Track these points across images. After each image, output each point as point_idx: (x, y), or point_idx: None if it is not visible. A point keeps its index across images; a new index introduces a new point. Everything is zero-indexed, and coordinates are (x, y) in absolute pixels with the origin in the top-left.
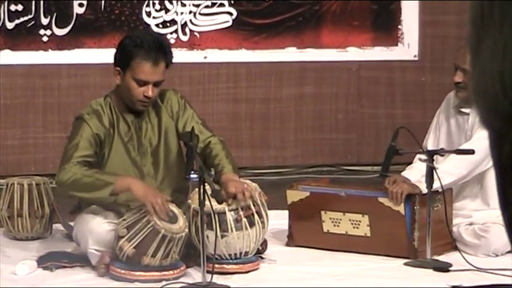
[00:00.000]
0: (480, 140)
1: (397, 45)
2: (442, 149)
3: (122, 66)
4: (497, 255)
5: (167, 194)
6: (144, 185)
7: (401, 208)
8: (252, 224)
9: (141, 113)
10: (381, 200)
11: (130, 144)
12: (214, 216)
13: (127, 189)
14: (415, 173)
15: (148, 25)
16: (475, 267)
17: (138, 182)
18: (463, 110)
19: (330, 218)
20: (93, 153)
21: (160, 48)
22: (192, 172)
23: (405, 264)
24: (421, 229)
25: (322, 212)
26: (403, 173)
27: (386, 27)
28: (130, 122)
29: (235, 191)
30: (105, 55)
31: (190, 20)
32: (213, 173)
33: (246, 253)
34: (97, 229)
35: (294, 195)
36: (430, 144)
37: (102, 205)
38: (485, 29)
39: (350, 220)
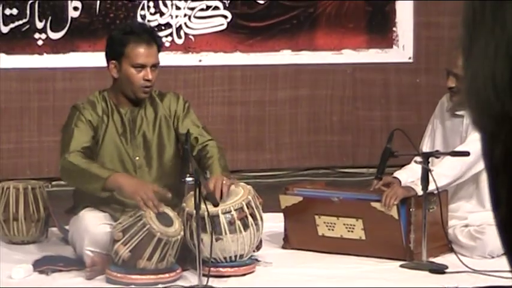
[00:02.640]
0: (474, 141)
1: (391, 47)
2: (437, 151)
3: (116, 58)
4: (492, 257)
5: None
6: (135, 181)
7: (394, 213)
8: (246, 226)
9: (137, 107)
10: (373, 205)
11: (123, 136)
12: (209, 220)
13: (119, 187)
14: (407, 173)
15: None
16: (470, 269)
17: (129, 180)
18: (457, 112)
19: (324, 222)
20: (89, 138)
21: (149, 31)
22: (188, 175)
23: (401, 266)
24: (416, 231)
25: (316, 217)
26: (395, 173)
27: (381, 29)
28: (123, 115)
29: (212, 187)
30: (100, 59)
31: (185, 23)
32: (208, 175)
33: (241, 256)
34: (93, 230)
35: (287, 200)
36: (426, 149)
37: (98, 201)
38: (476, 30)
39: (344, 224)
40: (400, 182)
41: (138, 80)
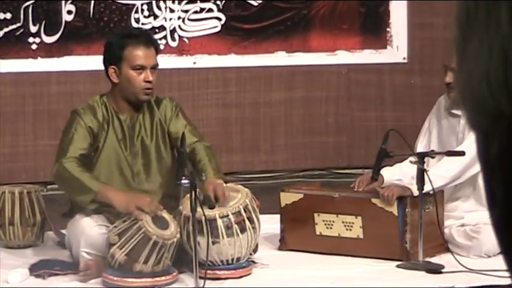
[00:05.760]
0: (472, 143)
1: (386, 47)
2: (432, 150)
3: (115, 62)
4: (489, 256)
5: (158, 197)
6: (125, 195)
7: (394, 209)
8: (243, 230)
9: (137, 112)
10: (374, 201)
11: (122, 143)
12: (206, 224)
13: (109, 201)
14: (393, 171)
15: None
16: (467, 268)
17: (119, 194)
18: (454, 111)
19: (323, 221)
20: (87, 145)
21: (145, 33)
22: (183, 178)
23: (397, 266)
24: (412, 231)
25: (315, 215)
26: (382, 170)
27: (375, 30)
28: (123, 122)
29: (213, 191)
30: (95, 62)
31: (179, 26)
32: (204, 178)
33: (238, 259)
34: (89, 232)
35: (287, 197)
36: (421, 147)
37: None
38: (470, 30)
39: (343, 222)
40: (383, 179)
41: (139, 82)
